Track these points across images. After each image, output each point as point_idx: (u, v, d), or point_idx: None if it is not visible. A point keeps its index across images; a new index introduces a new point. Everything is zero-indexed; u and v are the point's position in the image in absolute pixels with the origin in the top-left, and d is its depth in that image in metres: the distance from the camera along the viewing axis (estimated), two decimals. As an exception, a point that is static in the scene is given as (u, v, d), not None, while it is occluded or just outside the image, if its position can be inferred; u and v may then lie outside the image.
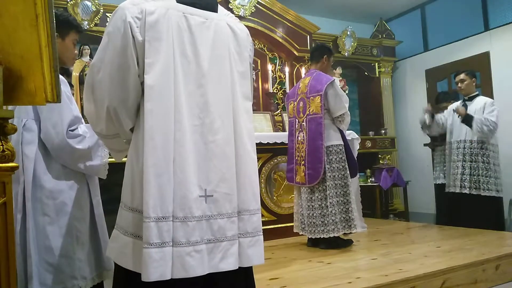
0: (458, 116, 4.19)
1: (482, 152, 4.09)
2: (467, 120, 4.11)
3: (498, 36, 5.26)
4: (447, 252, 3.07)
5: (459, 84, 4.32)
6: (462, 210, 4.15)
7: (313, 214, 3.35)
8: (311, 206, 3.38)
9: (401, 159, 6.64)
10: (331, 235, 3.28)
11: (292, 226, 4.09)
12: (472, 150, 4.12)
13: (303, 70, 5.37)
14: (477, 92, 4.33)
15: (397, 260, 2.89)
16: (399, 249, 3.27)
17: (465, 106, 4.23)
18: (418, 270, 2.55)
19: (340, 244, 3.41)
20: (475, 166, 4.08)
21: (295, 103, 3.61)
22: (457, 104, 4.37)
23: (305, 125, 3.46)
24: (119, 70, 1.31)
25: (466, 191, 4.09)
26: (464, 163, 4.14)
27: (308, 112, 3.45)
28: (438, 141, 4.64)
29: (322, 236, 3.30)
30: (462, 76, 4.30)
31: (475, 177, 4.07)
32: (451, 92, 5.91)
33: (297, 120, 3.56)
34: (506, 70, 5.14)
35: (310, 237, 3.41)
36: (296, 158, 3.51)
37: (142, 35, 1.29)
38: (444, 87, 6.04)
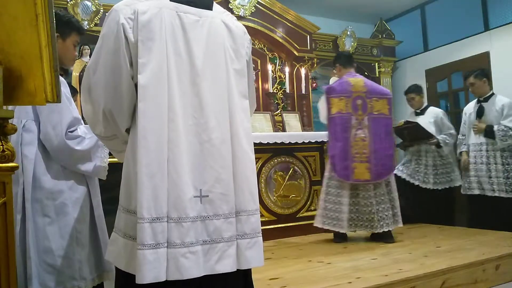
0: (475, 132, 4.16)
1: (504, 154, 4.02)
2: (489, 134, 4.05)
3: (498, 36, 5.25)
4: (447, 252, 3.07)
5: (470, 88, 4.28)
6: (494, 213, 4.03)
7: (383, 208, 3.50)
8: (380, 201, 3.51)
9: (401, 159, 6.62)
10: (395, 226, 3.54)
11: (292, 225, 4.11)
12: (495, 152, 4.05)
13: (303, 70, 5.36)
14: (492, 91, 4.27)
15: (397, 260, 2.89)
16: (399, 249, 3.27)
17: (482, 108, 4.17)
18: (418, 270, 2.55)
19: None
20: (499, 168, 4.01)
21: (348, 99, 3.60)
22: (470, 107, 4.33)
23: (366, 123, 3.55)
24: (112, 72, 1.31)
25: (503, 194, 3.98)
26: (489, 165, 4.07)
27: (370, 111, 3.58)
28: (408, 141, 4.66)
29: (388, 229, 3.48)
30: (471, 80, 4.22)
31: (503, 179, 3.98)
32: (451, 92, 5.92)
33: (354, 117, 3.58)
34: (506, 70, 5.14)
35: (373, 232, 3.52)
36: (355, 155, 3.51)
37: (135, 36, 1.28)
38: (444, 87, 6.04)
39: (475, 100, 4.35)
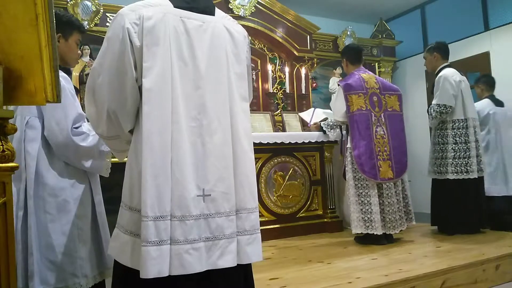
0: None
1: (442, 133, 3.80)
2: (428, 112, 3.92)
3: (498, 36, 5.26)
4: (447, 252, 3.07)
5: (425, 64, 4.15)
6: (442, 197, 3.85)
7: (401, 207, 3.49)
8: (399, 200, 3.50)
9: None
10: (410, 223, 3.56)
11: (292, 226, 4.10)
12: (436, 132, 3.86)
13: (303, 70, 5.37)
14: (443, 65, 3.96)
15: (397, 260, 2.89)
16: (399, 249, 3.27)
17: (432, 85, 3.98)
18: (418, 270, 2.56)
19: None
20: (443, 148, 3.78)
21: (365, 96, 3.54)
22: None
23: (383, 120, 3.54)
24: (117, 75, 1.35)
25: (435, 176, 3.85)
26: (438, 146, 3.86)
27: (385, 108, 3.58)
28: None
29: (402, 229, 3.47)
30: (424, 54, 4.13)
31: (433, 159, 3.84)
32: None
33: (373, 114, 3.53)
34: (506, 70, 5.14)
35: (390, 233, 3.43)
36: (378, 153, 3.46)
37: (140, 40, 1.32)
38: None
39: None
